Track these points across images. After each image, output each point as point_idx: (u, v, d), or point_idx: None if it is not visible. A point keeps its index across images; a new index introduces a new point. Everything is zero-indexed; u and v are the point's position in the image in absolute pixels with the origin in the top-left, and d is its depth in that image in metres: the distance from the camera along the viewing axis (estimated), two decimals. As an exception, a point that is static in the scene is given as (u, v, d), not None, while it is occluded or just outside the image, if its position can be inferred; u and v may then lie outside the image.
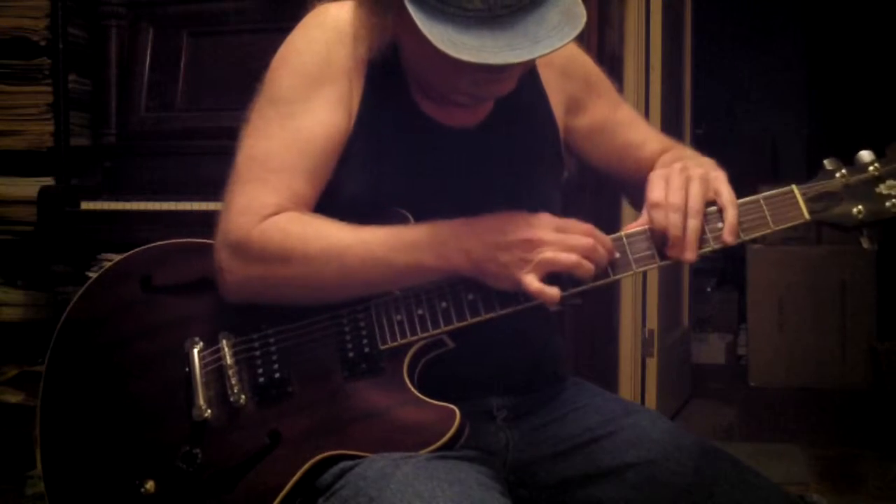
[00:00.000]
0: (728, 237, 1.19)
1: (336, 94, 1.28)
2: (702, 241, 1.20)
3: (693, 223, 1.19)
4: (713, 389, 4.53)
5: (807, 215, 1.21)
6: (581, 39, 3.15)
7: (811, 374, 4.52)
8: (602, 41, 3.09)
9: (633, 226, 1.23)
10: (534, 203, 1.25)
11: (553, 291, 1.16)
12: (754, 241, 1.23)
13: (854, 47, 5.70)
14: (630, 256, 1.21)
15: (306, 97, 1.28)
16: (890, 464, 3.35)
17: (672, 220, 1.19)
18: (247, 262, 1.24)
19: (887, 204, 1.20)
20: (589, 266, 1.18)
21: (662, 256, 1.21)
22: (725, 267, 5.43)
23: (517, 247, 1.17)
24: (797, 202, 1.21)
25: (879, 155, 1.22)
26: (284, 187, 1.26)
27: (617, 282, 1.25)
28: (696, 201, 1.20)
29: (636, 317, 3.43)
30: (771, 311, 4.63)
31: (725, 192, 1.21)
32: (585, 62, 1.47)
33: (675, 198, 1.20)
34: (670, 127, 3.77)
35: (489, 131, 1.34)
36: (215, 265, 1.26)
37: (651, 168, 1.36)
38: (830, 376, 4.49)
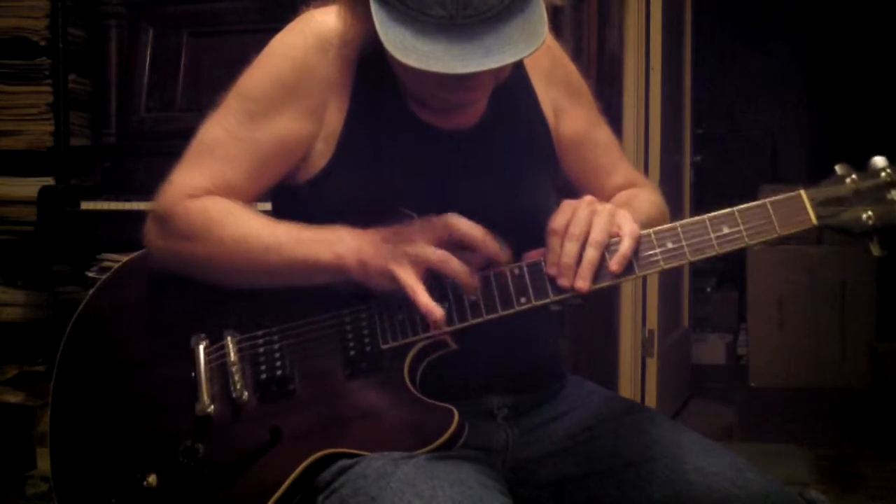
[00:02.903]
0: (614, 265, 1.19)
1: (304, 105, 1.29)
2: (598, 273, 1.19)
3: (591, 253, 1.18)
4: (713, 389, 4.53)
5: (814, 220, 1.20)
6: (580, 39, 3.15)
7: (811, 374, 4.52)
8: (602, 41, 3.09)
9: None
10: (529, 204, 1.25)
11: (432, 304, 1.17)
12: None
13: (854, 47, 5.70)
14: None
15: (270, 101, 1.29)
16: (890, 463, 3.35)
17: (567, 249, 1.19)
18: (166, 234, 1.30)
19: None
20: (456, 265, 1.18)
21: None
22: (725, 267, 5.43)
23: (394, 239, 1.20)
24: (805, 207, 1.20)
25: (893, 161, 1.21)
26: (220, 177, 1.30)
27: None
28: (598, 233, 1.19)
29: (636, 317, 3.43)
30: (771, 311, 4.63)
31: (627, 226, 1.20)
32: (569, 69, 1.46)
33: (578, 228, 1.19)
34: (670, 127, 3.77)
35: (481, 133, 1.34)
36: (144, 231, 1.33)
37: (610, 197, 1.39)
38: (830, 376, 4.49)
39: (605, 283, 1.20)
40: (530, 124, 1.39)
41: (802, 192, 1.21)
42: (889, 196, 1.19)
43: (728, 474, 1.21)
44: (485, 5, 1.12)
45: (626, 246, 1.19)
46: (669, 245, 1.21)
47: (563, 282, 1.19)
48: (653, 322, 3.50)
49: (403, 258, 1.19)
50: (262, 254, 1.25)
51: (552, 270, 1.20)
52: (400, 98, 1.31)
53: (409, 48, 1.11)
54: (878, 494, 3.08)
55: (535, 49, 1.12)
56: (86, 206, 2.76)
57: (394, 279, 1.18)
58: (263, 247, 1.25)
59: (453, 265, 1.19)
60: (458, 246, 1.21)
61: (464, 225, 1.20)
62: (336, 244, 1.22)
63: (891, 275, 4.62)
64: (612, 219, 1.21)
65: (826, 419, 4.02)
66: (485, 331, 1.24)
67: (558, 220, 1.21)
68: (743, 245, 1.21)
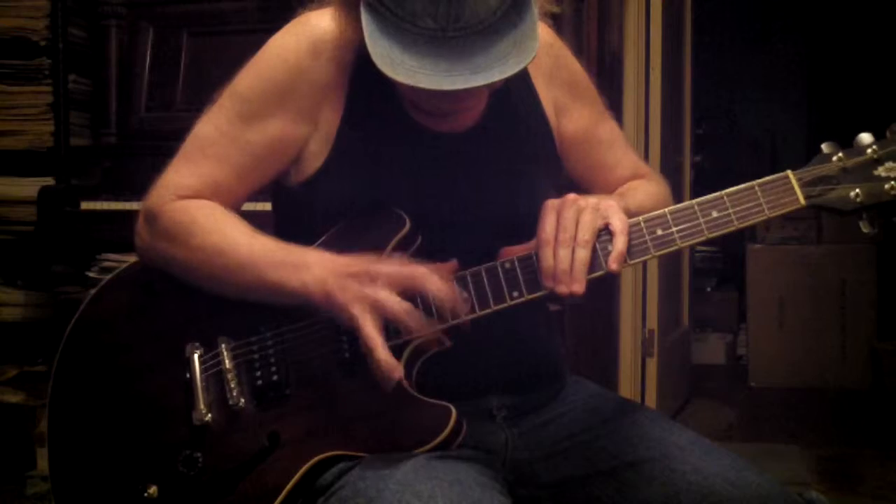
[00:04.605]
0: (612, 264, 1.19)
1: (296, 107, 1.29)
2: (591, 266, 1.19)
3: (582, 254, 1.18)
4: (713, 389, 4.53)
5: (802, 200, 1.20)
6: (580, 39, 3.14)
7: (811, 374, 4.52)
8: (602, 41, 3.09)
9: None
10: (529, 205, 1.25)
11: (391, 362, 1.15)
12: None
13: (854, 47, 5.70)
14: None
15: (263, 103, 1.30)
16: (890, 464, 3.35)
17: (560, 255, 1.18)
18: (153, 233, 1.31)
19: (886, 186, 1.18)
20: (418, 323, 1.16)
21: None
22: (725, 267, 5.43)
23: (357, 278, 1.18)
24: (792, 187, 1.20)
25: (879, 137, 1.21)
26: (209, 176, 1.31)
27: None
28: (586, 232, 1.19)
29: (636, 317, 3.43)
30: (771, 310, 4.63)
31: (615, 221, 1.20)
32: (572, 67, 1.46)
33: (566, 231, 1.19)
34: (670, 127, 3.77)
35: (478, 135, 1.34)
36: (135, 226, 1.34)
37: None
38: (830, 376, 4.49)
39: (597, 274, 1.20)
40: (530, 124, 1.39)
41: (790, 173, 1.21)
42: (876, 173, 1.19)
43: (728, 475, 1.21)
44: (476, 18, 1.11)
45: (620, 243, 1.19)
46: (659, 232, 1.21)
47: (562, 289, 1.19)
48: (653, 322, 3.50)
49: (365, 302, 1.16)
50: (236, 268, 1.25)
51: (549, 282, 1.19)
52: (396, 100, 1.30)
53: (396, 62, 1.10)
54: (878, 494, 3.08)
55: (523, 66, 1.12)
56: (86, 206, 2.77)
57: (353, 322, 1.17)
58: (238, 262, 1.25)
59: (411, 323, 1.16)
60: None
61: (434, 287, 1.17)
62: (303, 272, 1.21)
63: (891, 275, 4.62)
64: (598, 213, 1.21)
65: (826, 419, 4.02)
66: (484, 332, 1.24)
67: (546, 228, 1.20)
68: (733, 228, 1.21)
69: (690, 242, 1.21)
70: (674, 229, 1.21)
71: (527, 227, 1.24)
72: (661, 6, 3.49)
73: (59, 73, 3.02)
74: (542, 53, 1.33)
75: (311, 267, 1.21)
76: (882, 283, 4.57)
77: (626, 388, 3.35)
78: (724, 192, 1.22)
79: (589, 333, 2.98)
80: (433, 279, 1.17)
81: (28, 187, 2.97)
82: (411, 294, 1.18)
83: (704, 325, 5.15)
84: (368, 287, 1.17)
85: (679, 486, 1.21)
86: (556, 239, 1.19)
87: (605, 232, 1.20)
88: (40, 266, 3.03)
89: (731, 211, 1.20)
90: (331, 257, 1.22)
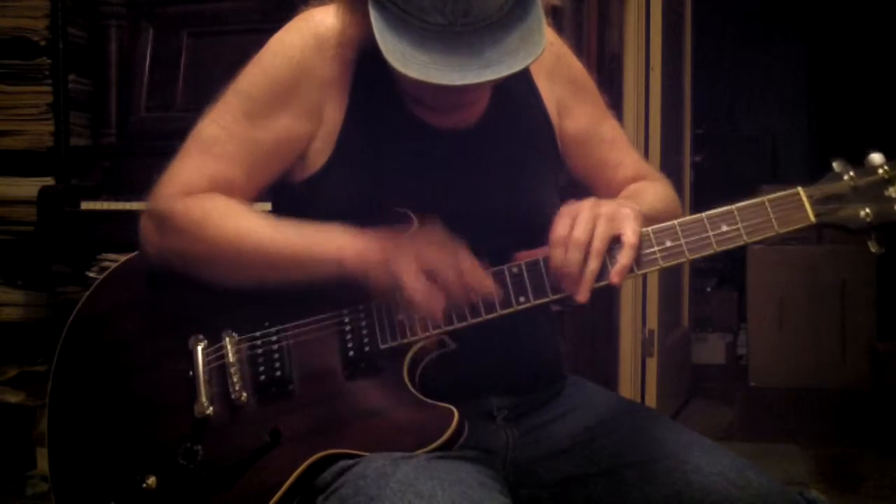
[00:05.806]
0: (614, 278, 1.20)
1: (301, 104, 1.29)
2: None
3: (593, 265, 1.19)
4: (713, 389, 4.53)
5: (812, 218, 1.20)
6: (580, 39, 3.14)
7: (811, 374, 4.53)
8: (602, 41, 3.10)
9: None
10: (532, 201, 1.25)
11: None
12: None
13: (854, 47, 5.70)
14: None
15: (268, 100, 1.29)
16: (890, 464, 3.35)
17: (571, 258, 1.19)
18: (165, 232, 1.29)
19: None
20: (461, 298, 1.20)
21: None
22: (725, 267, 5.43)
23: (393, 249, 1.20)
24: (803, 205, 1.20)
25: (890, 157, 1.21)
26: (219, 174, 1.30)
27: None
28: (599, 242, 1.19)
29: (636, 317, 3.43)
30: (771, 311, 4.63)
31: (628, 233, 1.20)
32: (573, 66, 1.46)
33: (580, 235, 1.19)
34: (670, 127, 3.77)
35: (481, 132, 1.34)
36: (139, 229, 1.31)
37: (619, 192, 1.41)
38: (830, 376, 4.49)
39: (601, 284, 1.20)
40: (532, 122, 1.39)
41: (800, 190, 1.21)
42: (887, 193, 1.20)
43: (728, 474, 1.21)
44: (483, 13, 1.11)
45: (626, 257, 1.19)
46: (668, 243, 1.22)
47: (567, 289, 1.19)
48: (653, 322, 3.50)
49: (410, 265, 1.18)
50: (263, 246, 1.25)
51: (556, 275, 1.20)
52: (399, 97, 1.31)
53: (408, 58, 1.10)
54: (878, 494, 3.08)
55: (533, 60, 1.12)
56: (86, 206, 2.76)
57: (394, 277, 1.18)
58: (265, 238, 1.25)
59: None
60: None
61: (487, 286, 1.20)
62: (336, 237, 1.22)
63: (891, 275, 4.62)
64: (613, 223, 1.21)
65: (826, 419, 4.03)
66: (484, 332, 1.24)
67: (560, 230, 1.20)
68: (742, 243, 1.21)
69: (699, 255, 1.22)
70: (682, 241, 1.21)
71: (529, 224, 1.24)
72: (661, 6, 3.49)
73: (59, 73, 3.02)
74: (545, 51, 1.34)
75: (343, 234, 1.22)
76: (882, 283, 4.58)
77: (626, 388, 3.36)
78: (733, 206, 1.22)
79: (589, 333, 2.98)
80: (487, 282, 1.20)
81: (28, 187, 2.97)
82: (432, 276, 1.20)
83: (704, 325, 5.16)
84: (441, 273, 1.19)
85: (680, 486, 1.21)
86: (568, 240, 1.19)
87: (616, 246, 1.20)
88: (40, 266, 3.03)
89: (740, 225, 1.21)
90: (360, 231, 1.23)
